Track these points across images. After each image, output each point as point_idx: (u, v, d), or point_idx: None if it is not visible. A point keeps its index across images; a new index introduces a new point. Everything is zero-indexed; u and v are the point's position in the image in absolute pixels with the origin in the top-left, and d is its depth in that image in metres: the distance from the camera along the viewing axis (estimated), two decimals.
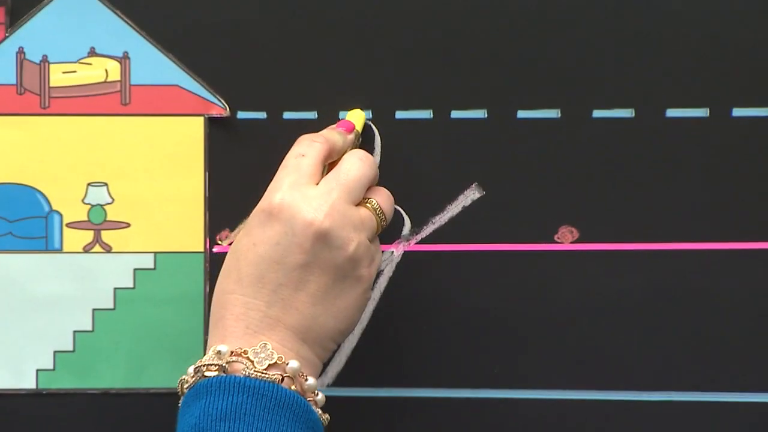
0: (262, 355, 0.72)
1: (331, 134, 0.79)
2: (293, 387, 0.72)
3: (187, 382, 0.73)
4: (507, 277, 0.85)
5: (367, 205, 0.77)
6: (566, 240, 0.85)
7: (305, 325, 0.73)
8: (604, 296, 0.85)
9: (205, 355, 0.73)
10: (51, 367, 0.84)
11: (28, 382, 0.84)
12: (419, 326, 0.85)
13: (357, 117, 0.83)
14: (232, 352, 0.72)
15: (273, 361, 0.72)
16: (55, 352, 0.84)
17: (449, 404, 0.85)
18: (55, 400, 0.84)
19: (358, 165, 0.76)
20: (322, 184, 0.75)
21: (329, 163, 0.79)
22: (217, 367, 0.71)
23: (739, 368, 0.85)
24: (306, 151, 0.77)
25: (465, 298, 0.85)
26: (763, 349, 0.85)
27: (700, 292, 0.85)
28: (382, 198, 0.78)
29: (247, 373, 0.71)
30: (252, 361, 0.71)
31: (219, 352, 0.72)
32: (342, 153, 0.79)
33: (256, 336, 0.73)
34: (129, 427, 0.84)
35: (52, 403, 0.84)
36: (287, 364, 0.72)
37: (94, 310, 0.84)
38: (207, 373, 0.71)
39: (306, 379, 0.73)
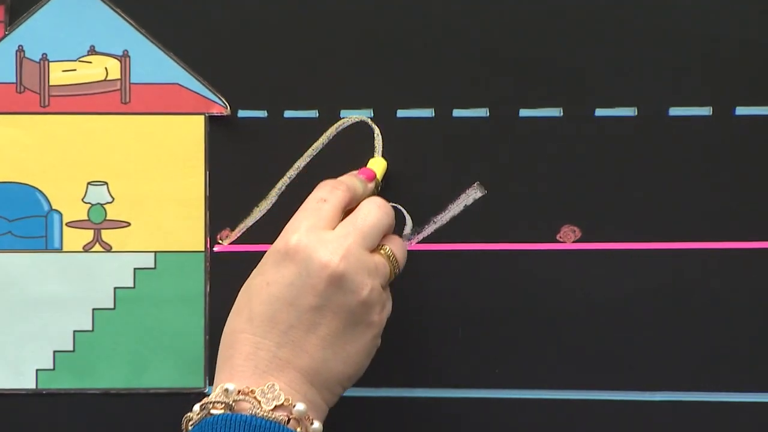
0: (270, 395, 0.72)
1: (353, 182, 0.79)
2: (298, 429, 0.72)
3: (191, 419, 0.72)
4: (509, 277, 0.85)
5: (382, 251, 0.77)
6: (568, 239, 0.85)
7: (314, 368, 0.73)
8: (606, 296, 0.85)
9: (212, 390, 0.73)
10: (51, 367, 0.84)
11: (28, 382, 0.84)
12: (420, 325, 0.85)
13: (378, 165, 0.83)
14: (239, 391, 0.72)
15: (280, 402, 0.71)
16: (55, 352, 0.84)
17: (450, 404, 0.85)
18: (55, 400, 0.84)
19: (376, 212, 0.77)
20: (338, 229, 0.75)
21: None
22: (223, 405, 0.71)
23: (739, 368, 0.85)
24: (327, 197, 0.77)
25: (466, 298, 0.85)
26: (763, 349, 0.85)
27: (701, 292, 0.85)
28: (396, 246, 0.78)
29: (253, 413, 0.71)
30: (259, 401, 0.71)
31: (226, 390, 0.72)
32: (361, 200, 0.79)
33: (265, 377, 0.72)
34: (129, 427, 0.84)
35: (52, 403, 0.84)
36: (294, 406, 0.72)
37: (94, 309, 0.84)
38: (213, 411, 0.71)
39: (311, 423, 0.73)
